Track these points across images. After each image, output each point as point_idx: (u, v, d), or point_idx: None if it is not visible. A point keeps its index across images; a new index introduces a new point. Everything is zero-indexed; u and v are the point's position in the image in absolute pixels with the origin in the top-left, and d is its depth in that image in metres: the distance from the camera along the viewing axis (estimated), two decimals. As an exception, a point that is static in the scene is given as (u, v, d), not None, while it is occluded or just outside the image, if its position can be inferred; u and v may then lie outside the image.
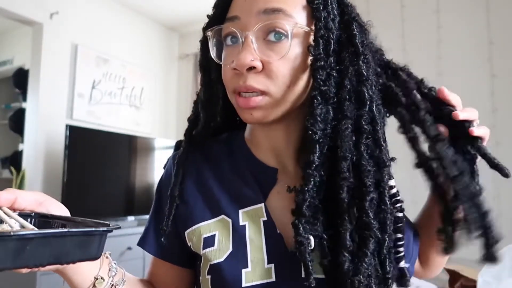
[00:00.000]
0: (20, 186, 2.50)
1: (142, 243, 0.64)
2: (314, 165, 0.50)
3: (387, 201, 0.50)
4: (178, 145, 0.67)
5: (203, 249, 0.56)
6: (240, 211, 0.57)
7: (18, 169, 2.64)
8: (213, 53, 0.57)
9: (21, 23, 2.87)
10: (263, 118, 0.53)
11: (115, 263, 0.54)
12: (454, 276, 1.20)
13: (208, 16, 0.59)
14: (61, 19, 2.88)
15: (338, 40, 0.53)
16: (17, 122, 3.27)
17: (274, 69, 0.51)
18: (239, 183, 0.59)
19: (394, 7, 2.76)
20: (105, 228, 0.39)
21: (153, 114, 3.66)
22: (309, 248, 0.48)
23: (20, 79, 3.29)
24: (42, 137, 2.74)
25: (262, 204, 0.57)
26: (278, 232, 0.55)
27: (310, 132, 0.50)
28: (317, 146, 0.50)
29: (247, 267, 0.53)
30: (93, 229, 0.39)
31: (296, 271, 0.52)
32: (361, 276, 0.47)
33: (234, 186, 0.59)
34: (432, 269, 0.69)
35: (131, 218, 3.00)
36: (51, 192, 2.72)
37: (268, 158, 0.60)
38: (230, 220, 0.56)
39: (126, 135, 3.12)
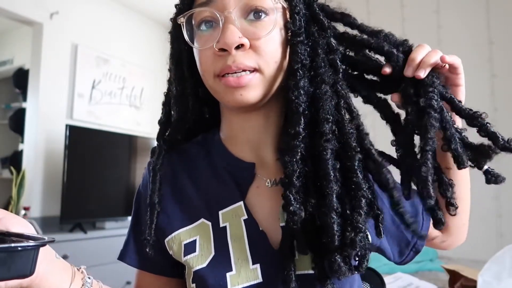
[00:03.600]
0: (20, 186, 2.50)
1: (122, 256, 0.62)
2: (300, 136, 0.49)
3: (376, 158, 0.50)
4: (153, 152, 0.63)
5: (184, 256, 0.54)
6: (220, 212, 0.55)
7: (18, 169, 2.63)
8: (187, 37, 0.54)
9: (21, 23, 2.87)
10: (253, 98, 0.51)
11: (89, 278, 0.51)
12: (454, 276, 1.20)
13: (176, 5, 0.58)
14: (61, 19, 2.88)
15: (305, 17, 0.54)
16: (17, 122, 3.26)
17: (262, 45, 0.51)
18: (217, 184, 0.57)
19: (394, 7, 2.76)
20: (33, 243, 0.36)
21: (153, 114, 3.65)
22: (300, 219, 0.47)
23: (20, 79, 3.28)
24: (42, 137, 2.74)
25: (241, 202, 0.55)
26: (260, 229, 0.53)
27: (295, 105, 0.50)
28: (302, 118, 0.50)
29: (231, 270, 0.51)
30: (14, 245, 0.36)
31: (284, 268, 0.49)
32: (360, 237, 0.45)
33: (211, 187, 0.57)
34: (453, 235, 0.65)
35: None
36: (51, 192, 2.72)
37: (245, 153, 0.58)
38: (209, 223, 0.55)
39: (126, 135, 3.12)
